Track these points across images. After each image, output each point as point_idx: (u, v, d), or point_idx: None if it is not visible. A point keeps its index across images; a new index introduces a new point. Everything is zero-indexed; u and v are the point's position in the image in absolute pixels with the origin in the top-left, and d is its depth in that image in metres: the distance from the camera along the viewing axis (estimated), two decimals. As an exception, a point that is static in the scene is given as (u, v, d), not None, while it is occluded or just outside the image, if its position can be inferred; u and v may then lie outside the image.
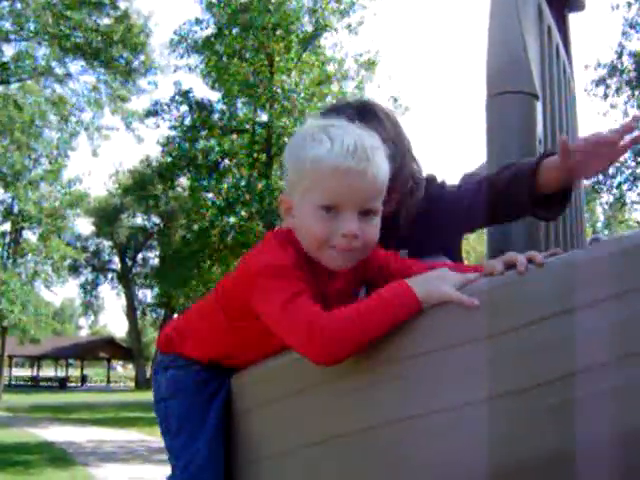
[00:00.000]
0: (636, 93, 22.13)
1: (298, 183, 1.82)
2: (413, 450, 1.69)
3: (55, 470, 13.60)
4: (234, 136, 23.88)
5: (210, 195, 24.54)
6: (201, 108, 24.79)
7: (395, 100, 24.69)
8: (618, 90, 22.40)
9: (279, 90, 22.20)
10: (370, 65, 24.84)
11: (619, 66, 22.19)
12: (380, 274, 1.98)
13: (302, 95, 22.39)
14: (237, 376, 2.07)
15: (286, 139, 22.49)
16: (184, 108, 25.09)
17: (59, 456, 15.77)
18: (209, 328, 2.07)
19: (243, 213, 22.99)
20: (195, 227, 23.15)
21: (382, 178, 1.79)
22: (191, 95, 25.02)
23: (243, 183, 22.32)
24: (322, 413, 1.85)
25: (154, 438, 20.23)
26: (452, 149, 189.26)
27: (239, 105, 25.32)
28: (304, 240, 1.84)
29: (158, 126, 25.58)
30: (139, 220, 60.51)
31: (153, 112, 25.35)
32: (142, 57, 27.93)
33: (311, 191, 1.78)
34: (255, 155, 23.74)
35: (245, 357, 2.05)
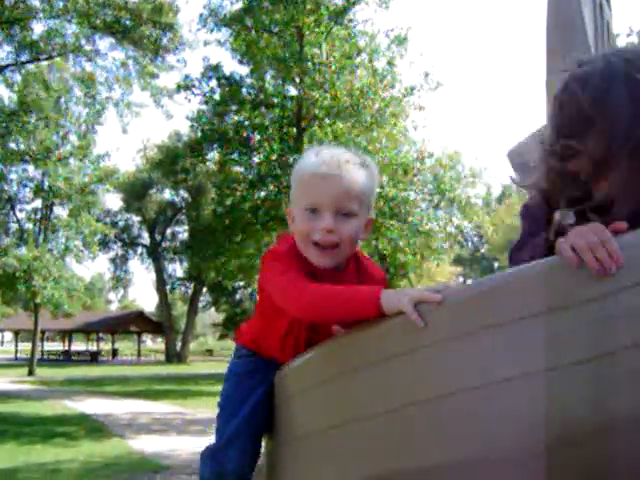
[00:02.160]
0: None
1: (293, 193, 2.27)
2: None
3: (94, 442, 13.81)
4: (264, 110, 23.80)
5: (241, 169, 24.58)
6: (230, 82, 24.75)
7: (426, 75, 24.47)
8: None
9: (309, 63, 22.06)
10: (401, 41, 24.57)
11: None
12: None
13: (332, 68, 22.27)
14: (279, 370, 2.32)
15: (317, 112, 22.46)
16: (214, 83, 25.07)
17: (97, 428, 16.01)
18: (253, 319, 2.52)
19: (271, 187, 23.01)
20: (227, 201, 23.14)
21: (356, 184, 2.16)
22: (221, 69, 24.96)
23: (274, 157, 22.30)
24: (351, 397, 1.99)
25: (188, 410, 20.48)
26: (487, 125, 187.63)
27: (268, 79, 25.29)
28: (297, 239, 2.24)
29: (189, 101, 25.58)
30: (167, 195, 60.82)
31: (184, 86, 25.30)
32: (170, 34, 27.82)
33: (300, 197, 2.21)
34: (285, 129, 23.67)
35: (266, 340, 2.41)
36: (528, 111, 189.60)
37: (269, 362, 2.39)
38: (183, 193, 58.07)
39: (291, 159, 21.76)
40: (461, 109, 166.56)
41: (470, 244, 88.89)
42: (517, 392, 1.66)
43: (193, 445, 12.83)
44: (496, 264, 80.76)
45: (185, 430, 15.91)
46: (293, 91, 23.76)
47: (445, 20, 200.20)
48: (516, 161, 4.69)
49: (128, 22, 26.25)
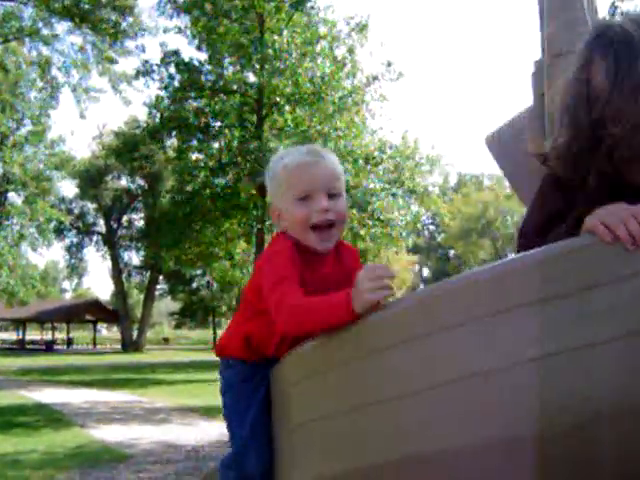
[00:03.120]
0: None
1: (278, 191, 2.38)
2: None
3: (54, 432, 13.60)
4: (224, 97, 23.62)
5: (199, 156, 24.38)
6: (189, 68, 24.53)
7: (389, 64, 24.45)
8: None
9: (270, 50, 21.95)
10: (361, 29, 24.54)
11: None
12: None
13: (294, 55, 22.18)
14: (275, 366, 2.36)
15: (278, 99, 22.35)
16: (173, 69, 24.83)
17: (56, 417, 15.78)
18: (237, 322, 2.58)
19: (229, 175, 22.90)
20: (187, 188, 22.97)
21: (337, 165, 2.40)
22: (180, 55, 24.73)
23: (235, 144, 22.17)
24: (345, 387, 2.03)
25: (147, 399, 20.32)
26: (449, 117, 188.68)
27: (227, 65, 25.12)
28: (293, 230, 2.34)
29: (148, 86, 25.43)
30: (124, 182, 60.17)
31: (143, 72, 25.04)
32: (130, 19, 27.47)
33: (288, 190, 2.33)
34: (246, 116, 23.53)
35: (265, 338, 2.43)
36: (483, 100, 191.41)
37: (260, 365, 2.46)
38: (139, 180, 57.51)
39: (251, 146, 21.68)
40: (416, 96, 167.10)
41: (426, 233, 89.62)
42: (503, 383, 1.67)
43: (155, 434, 12.72)
44: (452, 252, 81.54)
45: (146, 419, 15.74)
46: (253, 78, 23.62)
47: (404, 11, 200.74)
48: (495, 147, 4.72)
49: (87, 6, 25.83)
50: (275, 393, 2.40)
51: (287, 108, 22.86)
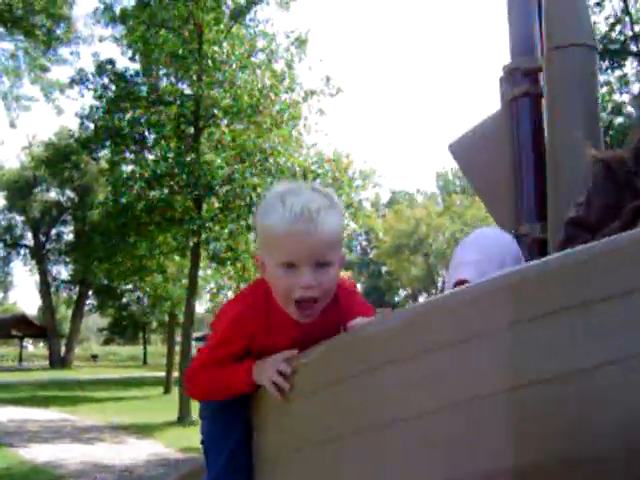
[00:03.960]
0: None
1: (263, 245, 2.17)
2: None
3: (-19, 452, 13.08)
4: (161, 108, 23.20)
5: (135, 168, 23.88)
6: (124, 79, 24.09)
7: (328, 80, 24.38)
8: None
9: (209, 61, 21.68)
10: (300, 43, 24.44)
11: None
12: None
13: (233, 67, 21.95)
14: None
15: (215, 111, 22.08)
16: (107, 79, 24.37)
17: (-18, 437, 15.21)
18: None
19: (165, 190, 22.51)
20: (122, 200, 22.41)
21: (332, 233, 2.07)
22: (115, 64, 24.28)
23: (172, 155, 21.75)
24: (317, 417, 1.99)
25: (77, 417, 19.79)
26: (383, 133, 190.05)
27: (164, 76, 24.77)
28: (274, 293, 2.16)
29: (83, 95, 24.79)
30: (53, 194, 58.94)
31: (77, 80, 24.50)
32: (64, 26, 26.87)
33: (273, 252, 2.10)
34: (183, 127, 23.17)
35: None
36: (417, 117, 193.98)
37: None
38: (69, 193, 56.40)
39: (188, 159, 21.33)
40: (348, 111, 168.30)
41: (359, 248, 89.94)
42: (478, 414, 1.57)
43: (86, 453, 12.35)
44: (384, 268, 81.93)
45: (76, 437, 15.32)
46: (189, 89, 23.28)
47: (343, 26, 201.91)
48: (459, 154, 4.64)
49: (20, 11, 25.16)
50: (253, 423, 2.31)
51: (224, 121, 22.60)
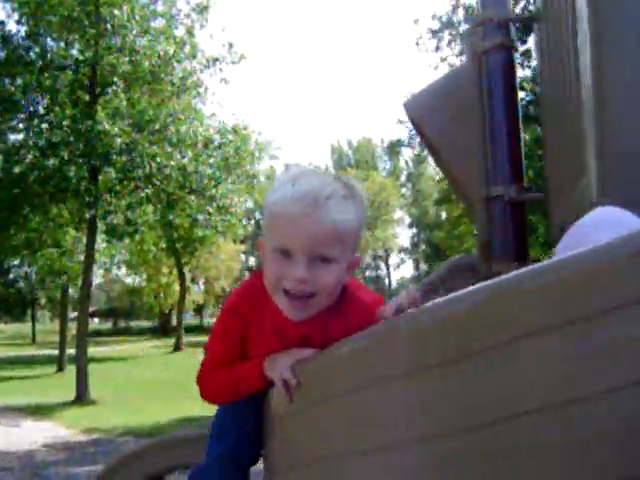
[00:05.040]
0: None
1: (264, 226, 1.95)
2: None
3: None
4: (55, 73, 22.03)
5: (26, 136, 22.70)
6: (11, 42, 22.78)
7: (230, 46, 23.78)
8: (450, 43, 22.86)
9: (108, 25, 20.75)
10: (202, 10, 23.71)
11: (454, 19, 22.71)
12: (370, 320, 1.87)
13: (133, 32, 21.09)
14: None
15: (115, 79, 21.22)
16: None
17: None
18: None
19: (60, 157, 21.48)
20: (15, 170, 21.18)
21: (339, 225, 1.81)
22: (5, 26, 22.92)
23: (66, 123, 20.70)
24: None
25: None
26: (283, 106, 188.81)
27: (57, 40, 23.57)
28: (264, 280, 1.94)
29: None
30: None
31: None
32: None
33: (270, 234, 1.89)
34: (78, 94, 22.11)
35: None
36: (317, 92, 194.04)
37: None
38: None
39: (83, 126, 20.37)
40: (245, 81, 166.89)
41: (252, 222, 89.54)
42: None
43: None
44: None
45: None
46: (85, 54, 22.21)
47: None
48: (415, 111, 4.40)
49: None
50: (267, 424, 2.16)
51: (121, 87, 21.72)
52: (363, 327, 1.76)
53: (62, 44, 22.86)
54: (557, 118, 3.44)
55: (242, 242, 71.11)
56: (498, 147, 3.77)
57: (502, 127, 3.77)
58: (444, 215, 54.47)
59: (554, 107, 3.54)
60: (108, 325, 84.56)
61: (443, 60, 22.94)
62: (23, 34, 22.81)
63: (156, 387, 23.72)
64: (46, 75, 21.43)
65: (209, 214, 23.14)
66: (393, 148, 65.18)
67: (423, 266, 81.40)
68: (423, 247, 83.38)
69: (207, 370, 2.14)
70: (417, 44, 23.59)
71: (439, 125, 4.22)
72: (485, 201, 3.76)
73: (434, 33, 22.94)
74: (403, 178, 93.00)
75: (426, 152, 26.72)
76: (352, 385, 1.64)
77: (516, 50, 3.82)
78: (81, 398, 20.84)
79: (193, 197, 22.72)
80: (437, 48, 23.13)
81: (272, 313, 1.97)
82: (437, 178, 36.79)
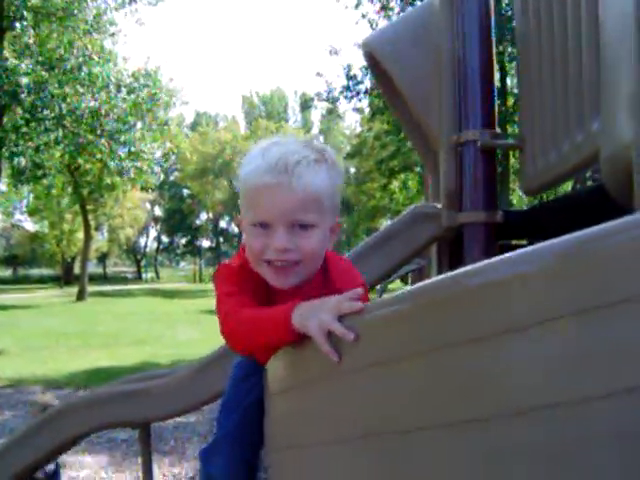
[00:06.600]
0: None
1: (240, 202, 1.89)
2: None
3: None
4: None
5: None
6: None
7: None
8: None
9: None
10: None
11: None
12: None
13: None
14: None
15: (24, 12, 20.20)
16: None
17: None
18: None
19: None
20: None
21: (313, 189, 1.77)
22: None
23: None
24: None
25: None
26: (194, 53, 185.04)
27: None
28: (247, 255, 1.89)
29: None
30: None
31: None
32: None
33: (247, 209, 1.84)
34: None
35: None
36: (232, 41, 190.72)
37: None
38: None
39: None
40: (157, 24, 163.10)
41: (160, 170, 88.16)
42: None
43: None
44: (185, 192, 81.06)
45: None
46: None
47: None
48: (377, 49, 4.12)
49: None
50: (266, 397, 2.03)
51: (32, 22, 20.70)
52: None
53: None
54: (533, 59, 3.25)
55: (148, 190, 70.11)
56: (470, 89, 3.59)
57: (474, 67, 3.59)
58: (352, 170, 54.68)
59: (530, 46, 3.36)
60: (8, 273, 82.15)
61: (364, 17, 22.53)
62: None
63: (62, 337, 23.01)
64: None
65: (120, 159, 22.43)
66: (306, 101, 64.69)
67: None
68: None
69: (229, 320, 1.86)
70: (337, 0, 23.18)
71: (402, 66, 3.99)
72: (455, 147, 3.58)
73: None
74: (315, 131, 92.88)
75: (340, 106, 26.45)
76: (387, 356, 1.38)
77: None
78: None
79: (104, 141, 21.97)
80: (357, 5, 22.67)
81: (256, 282, 1.91)
82: (347, 133, 36.57)
